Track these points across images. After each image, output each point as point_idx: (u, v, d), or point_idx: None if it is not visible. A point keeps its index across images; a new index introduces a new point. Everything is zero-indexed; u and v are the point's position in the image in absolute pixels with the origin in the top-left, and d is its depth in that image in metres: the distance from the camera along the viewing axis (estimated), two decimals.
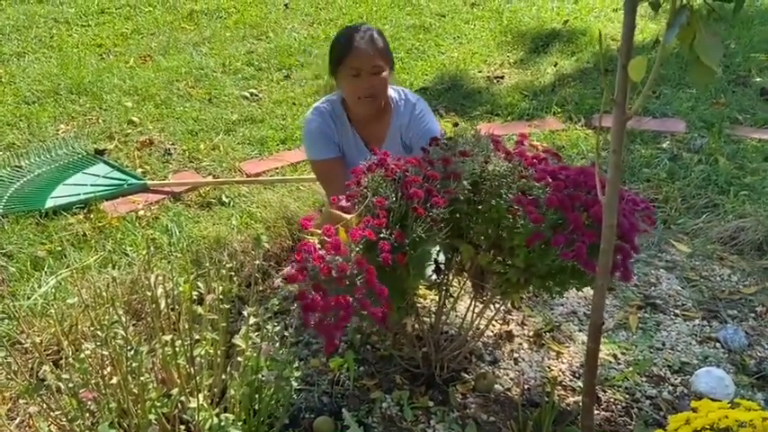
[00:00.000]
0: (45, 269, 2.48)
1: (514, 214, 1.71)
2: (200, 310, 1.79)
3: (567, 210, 1.63)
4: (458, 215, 1.83)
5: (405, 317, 1.96)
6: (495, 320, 2.22)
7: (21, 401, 1.91)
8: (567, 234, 1.61)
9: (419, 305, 2.37)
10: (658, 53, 1.18)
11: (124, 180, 3.11)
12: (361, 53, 2.16)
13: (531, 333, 2.22)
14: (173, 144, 3.49)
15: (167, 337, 1.74)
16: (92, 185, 3.06)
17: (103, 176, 3.14)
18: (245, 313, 1.73)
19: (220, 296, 1.76)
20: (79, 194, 2.98)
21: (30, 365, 1.98)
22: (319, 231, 1.57)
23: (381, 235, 1.58)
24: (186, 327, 1.75)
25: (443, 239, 1.86)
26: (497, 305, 2.10)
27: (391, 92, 2.35)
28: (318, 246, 1.55)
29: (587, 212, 1.67)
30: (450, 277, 2.09)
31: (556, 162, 1.85)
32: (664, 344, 2.16)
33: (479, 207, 1.78)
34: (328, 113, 2.36)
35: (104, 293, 1.88)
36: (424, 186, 1.69)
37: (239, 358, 1.71)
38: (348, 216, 1.64)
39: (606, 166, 1.47)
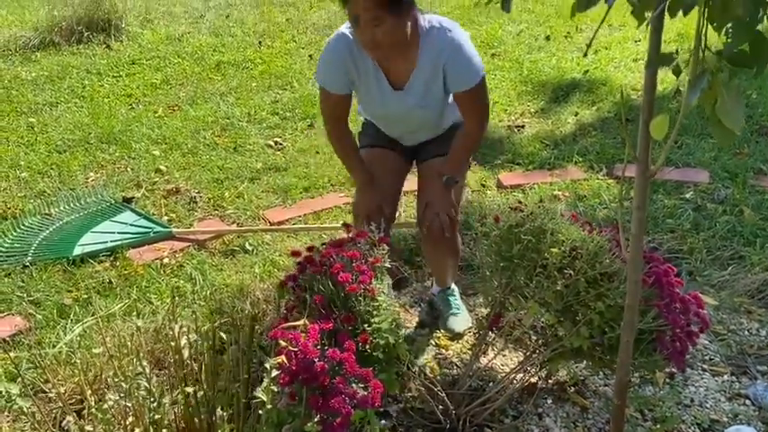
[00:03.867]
0: (71, 317, 2.51)
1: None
2: (223, 358, 1.80)
3: (663, 287, 1.82)
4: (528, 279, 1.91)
5: (409, 383, 1.96)
6: (517, 371, 2.19)
7: None
8: (663, 304, 1.79)
9: (440, 356, 2.36)
10: (681, 110, 1.19)
11: (150, 228, 3.16)
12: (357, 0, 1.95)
13: (555, 386, 2.18)
14: (198, 192, 3.54)
15: (190, 389, 1.74)
16: (119, 233, 3.11)
17: (130, 224, 3.19)
18: (267, 365, 1.73)
19: (243, 348, 1.77)
20: (106, 242, 3.03)
21: (54, 415, 1.99)
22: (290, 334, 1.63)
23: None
24: (209, 378, 1.76)
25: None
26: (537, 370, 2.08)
27: (421, 20, 2.11)
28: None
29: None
30: (491, 334, 2.10)
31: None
32: (692, 400, 2.11)
33: (567, 272, 1.85)
34: (353, 41, 2.12)
35: (129, 343, 1.89)
36: (353, 267, 1.80)
37: (260, 411, 1.71)
38: (299, 323, 1.69)
39: (628, 216, 1.47)
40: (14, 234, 3.14)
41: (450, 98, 2.24)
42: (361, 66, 2.17)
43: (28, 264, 2.88)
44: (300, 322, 1.71)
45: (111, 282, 2.76)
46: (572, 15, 1.26)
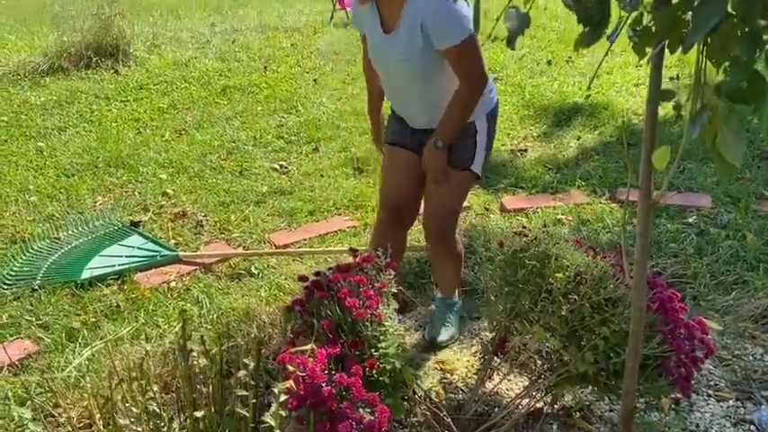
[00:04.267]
0: (79, 340, 2.53)
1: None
2: (229, 383, 1.81)
3: (667, 313, 1.85)
4: (533, 304, 1.94)
5: (415, 407, 1.97)
6: (523, 396, 2.20)
7: None
8: (668, 330, 1.82)
9: (446, 381, 2.37)
10: (683, 140, 1.22)
11: (157, 251, 3.19)
12: None
13: (560, 412, 2.18)
14: (205, 215, 3.58)
15: (199, 413, 1.75)
16: (126, 257, 3.14)
17: (138, 248, 3.22)
18: (275, 390, 1.74)
19: (250, 372, 1.78)
20: (114, 266, 3.06)
21: None
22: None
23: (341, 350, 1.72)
24: (217, 402, 1.77)
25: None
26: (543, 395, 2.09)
27: None
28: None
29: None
30: (497, 359, 2.11)
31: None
32: (698, 426, 2.11)
33: (571, 297, 1.88)
34: None
35: (137, 367, 1.90)
36: (360, 292, 1.83)
37: None
38: (307, 347, 1.72)
39: (631, 240, 1.49)
40: (23, 258, 3.17)
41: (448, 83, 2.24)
42: (367, 8, 2.28)
43: (37, 287, 2.90)
44: (308, 347, 1.73)
45: (118, 305, 2.78)
46: (575, 49, 1.30)
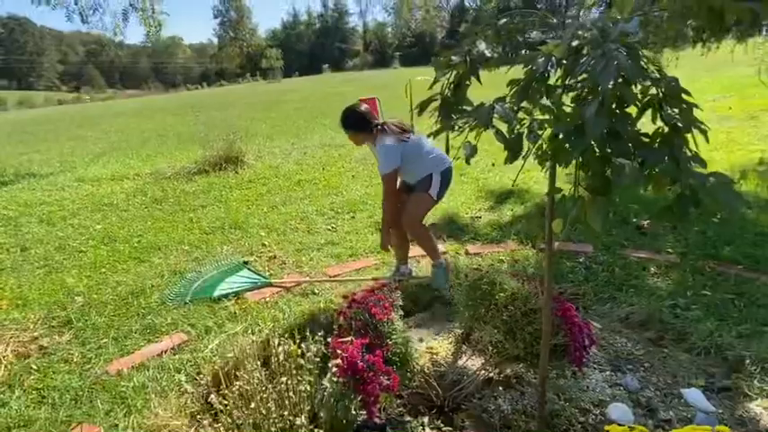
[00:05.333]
0: (212, 333, 2.56)
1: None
2: (302, 361, 1.84)
3: (567, 317, 1.88)
4: (487, 311, 1.98)
5: (414, 377, 1.98)
6: (480, 370, 2.19)
7: (198, 416, 1.94)
8: (567, 328, 1.84)
9: (434, 360, 2.35)
10: (569, 217, 1.28)
11: (258, 279, 3.23)
12: None
13: (504, 379, 2.16)
14: (287, 257, 3.63)
15: (284, 379, 1.78)
16: (239, 283, 3.18)
17: (246, 277, 3.27)
18: (330, 364, 1.77)
19: (316, 354, 1.81)
20: (233, 288, 3.10)
21: (203, 393, 2.02)
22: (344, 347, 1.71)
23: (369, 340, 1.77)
24: (295, 372, 1.80)
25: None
26: (493, 369, 2.08)
27: (382, 136, 2.62)
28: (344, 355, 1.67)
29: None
30: (464, 346, 2.12)
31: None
32: (587, 387, 2.08)
33: (509, 308, 1.92)
34: None
35: (247, 350, 1.94)
36: (380, 304, 1.91)
37: (325, 392, 1.73)
38: (348, 339, 1.78)
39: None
40: (180, 283, 3.22)
41: (415, 164, 2.65)
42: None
43: (188, 301, 2.95)
44: (349, 338, 1.77)
45: (235, 312, 2.82)
46: (505, 163, 1.38)
